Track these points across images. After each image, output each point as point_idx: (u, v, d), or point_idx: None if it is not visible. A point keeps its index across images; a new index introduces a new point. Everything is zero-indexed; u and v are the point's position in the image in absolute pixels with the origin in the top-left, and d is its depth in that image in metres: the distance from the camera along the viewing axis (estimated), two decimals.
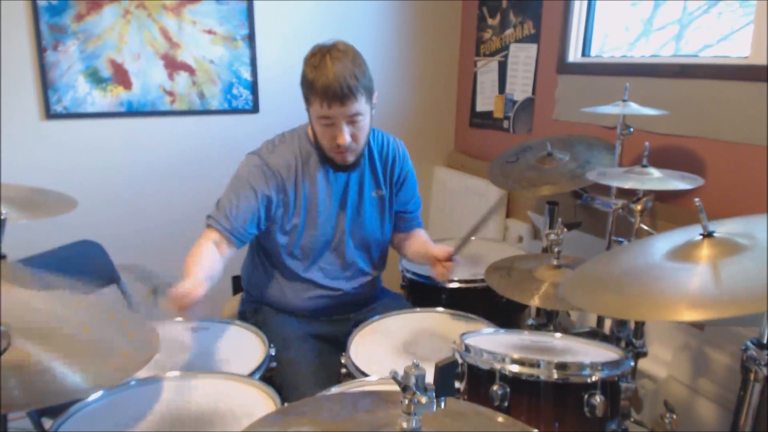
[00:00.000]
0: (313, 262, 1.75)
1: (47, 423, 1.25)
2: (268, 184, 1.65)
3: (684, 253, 1.07)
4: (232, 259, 1.89)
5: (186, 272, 1.46)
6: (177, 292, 1.34)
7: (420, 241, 1.86)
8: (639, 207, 1.78)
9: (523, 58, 2.66)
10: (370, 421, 0.92)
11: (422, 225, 1.93)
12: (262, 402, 1.26)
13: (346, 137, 1.57)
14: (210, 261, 1.55)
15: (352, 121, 1.56)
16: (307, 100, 1.60)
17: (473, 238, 1.78)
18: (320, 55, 1.53)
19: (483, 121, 2.95)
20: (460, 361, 1.21)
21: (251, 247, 1.86)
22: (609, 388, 1.16)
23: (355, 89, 1.51)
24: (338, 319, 1.82)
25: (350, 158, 1.65)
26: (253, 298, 1.88)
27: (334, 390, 1.30)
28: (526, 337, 1.42)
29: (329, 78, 1.50)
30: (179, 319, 1.58)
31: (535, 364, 1.14)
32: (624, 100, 1.83)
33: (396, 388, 0.79)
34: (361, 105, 1.55)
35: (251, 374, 1.39)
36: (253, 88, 2.65)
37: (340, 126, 1.56)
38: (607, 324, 1.86)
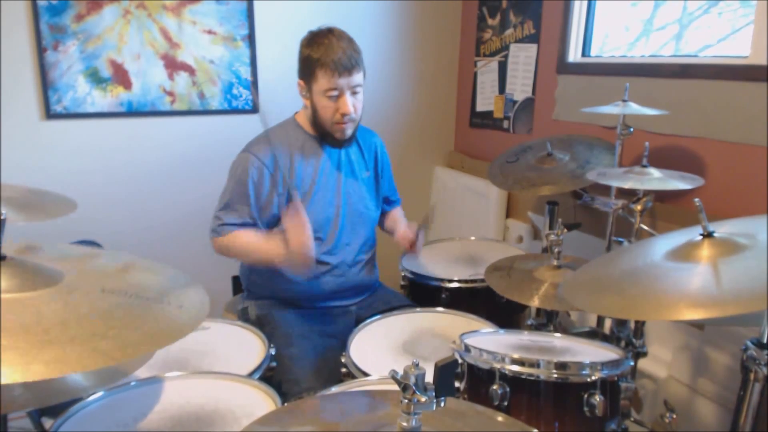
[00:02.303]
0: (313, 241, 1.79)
1: (47, 423, 1.25)
2: (263, 175, 1.76)
3: (684, 253, 1.07)
4: (231, 260, 1.90)
5: (264, 246, 1.71)
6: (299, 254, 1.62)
7: (393, 218, 2.09)
8: (639, 207, 1.78)
9: (523, 58, 2.66)
10: (370, 421, 0.93)
11: (400, 202, 2.15)
12: (262, 402, 1.26)
13: (349, 107, 1.73)
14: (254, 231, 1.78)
15: (354, 92, 1.74)
16: (313, 77, 1.72)
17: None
18: (322, 36, 1.72)
19: (483, 121, 2.95)
20: (460, 360, 1.21)
21: None
22: (609, 387, 1.17)
23: (358, 60, 1.72)
24: (341, 312, 1.85)
25: (349, 130, 1.79)
26: (254, 295, 1.90)
27: (334, 390, 1.30)
28: (525, 337, 1.42)
29: (337, 52, 1.68)
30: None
31: (534, 364, 1.14)
32: (624, 100, 1.83)
33: (396, 387, 0.79)
34: (361, 77, 1.74)
35: (251, 374, 1.39)
36: (253, 88, 2.65)
37: (344, 97, 1.72)
38: (607, 324, 1.86)
